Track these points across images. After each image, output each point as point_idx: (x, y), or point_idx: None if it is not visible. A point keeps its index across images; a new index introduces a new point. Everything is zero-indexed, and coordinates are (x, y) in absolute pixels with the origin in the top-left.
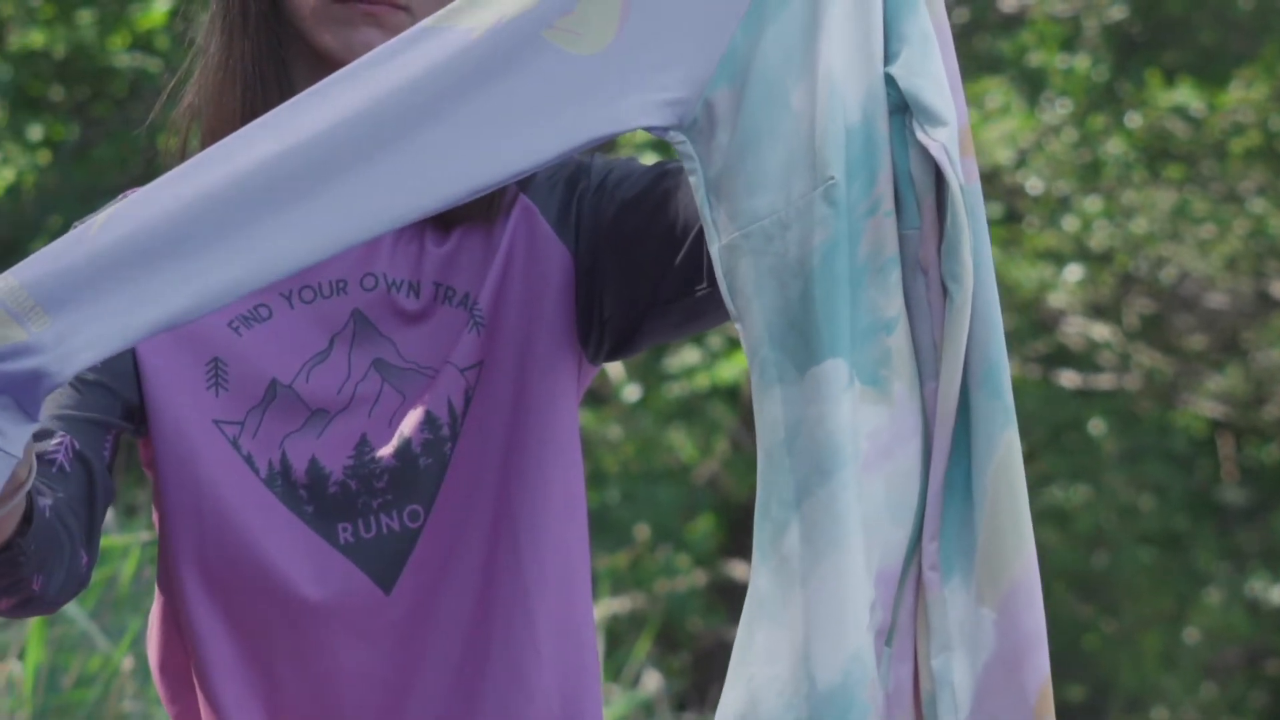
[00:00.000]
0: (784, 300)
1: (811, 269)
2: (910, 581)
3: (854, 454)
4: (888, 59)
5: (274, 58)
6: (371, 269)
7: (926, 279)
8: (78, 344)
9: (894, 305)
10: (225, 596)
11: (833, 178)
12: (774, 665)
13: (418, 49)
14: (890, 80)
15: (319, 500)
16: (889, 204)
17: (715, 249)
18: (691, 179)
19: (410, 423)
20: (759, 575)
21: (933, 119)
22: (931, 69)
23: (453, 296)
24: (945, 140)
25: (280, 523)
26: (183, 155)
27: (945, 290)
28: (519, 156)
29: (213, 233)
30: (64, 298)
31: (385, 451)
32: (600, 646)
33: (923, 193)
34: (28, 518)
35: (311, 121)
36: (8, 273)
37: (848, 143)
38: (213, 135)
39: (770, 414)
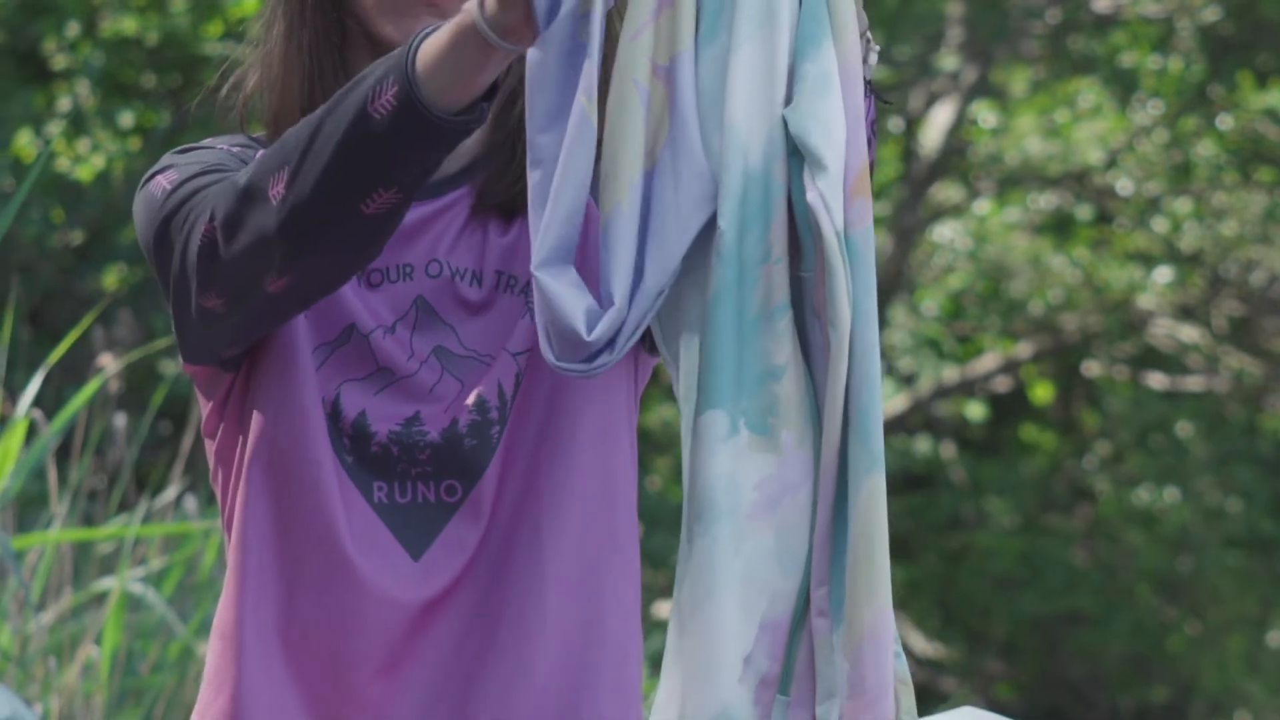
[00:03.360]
0: (695, 346)
1: (703, 319)
2: (806, 627)
3: (731, 507)
4: (788, 100)
5: (330, 46)
6: (436, 256)
7: (819, 323)
8: None
9: (783, 352)
10: (278, 501)
11: (720, 229)
12: (665, 714)
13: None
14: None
15: (359, 453)
16: (780, 250)
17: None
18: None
19: (462, 406)
20: (671, 621)
21: (815, 164)
22: (823, 111)
23: (515, 285)
24: (824, 187)
25: (330, 454)
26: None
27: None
28: (667, 263)
29: None
30: None
31: (433, 429)
32: None
33: (817, 236)
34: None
35: None
36: None
37: (746, 189)
38: (276, 120)
39: (685, 459)
